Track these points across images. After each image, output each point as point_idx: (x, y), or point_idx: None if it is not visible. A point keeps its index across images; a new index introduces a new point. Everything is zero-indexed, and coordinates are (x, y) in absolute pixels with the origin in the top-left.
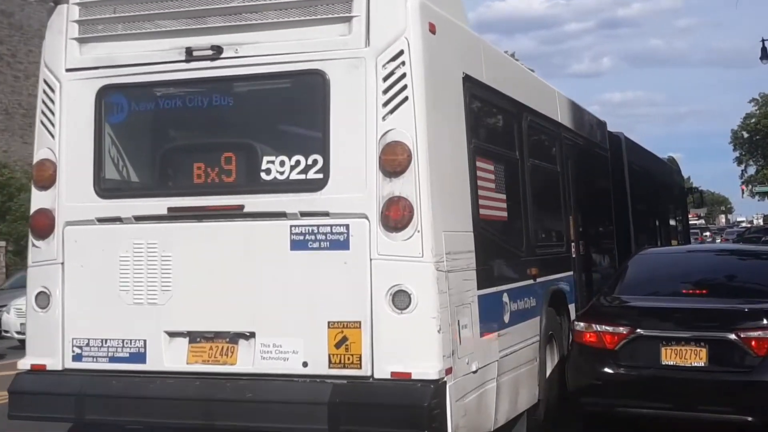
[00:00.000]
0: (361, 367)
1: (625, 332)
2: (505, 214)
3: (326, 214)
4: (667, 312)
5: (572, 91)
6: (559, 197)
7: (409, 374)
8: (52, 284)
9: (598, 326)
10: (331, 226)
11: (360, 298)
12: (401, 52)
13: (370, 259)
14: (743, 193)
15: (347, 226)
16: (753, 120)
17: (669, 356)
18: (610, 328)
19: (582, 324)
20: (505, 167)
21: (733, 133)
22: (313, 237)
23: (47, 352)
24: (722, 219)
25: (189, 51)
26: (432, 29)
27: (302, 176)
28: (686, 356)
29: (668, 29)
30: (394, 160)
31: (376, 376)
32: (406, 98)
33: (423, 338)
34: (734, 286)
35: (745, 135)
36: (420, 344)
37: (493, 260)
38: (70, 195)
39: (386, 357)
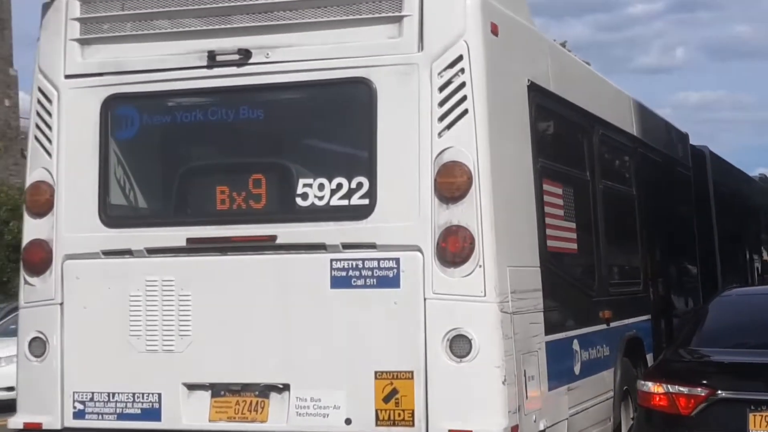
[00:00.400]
0: (413, 425)
1: (703, 394)
2: (575, 246)
3: (373, 246)
4: (756, 369)
5: (638, 90)
6: (635, 226)
7: None
8: (49, 328)
9: (669, 386)
10: (378, 260)
11: (412, 343)
12: (460, 58)
13: (424, 299)
14: None
15: (397, 260)
16: None
17: (758, 424)
18: (684, 390)
19: (650, 384)
20: (575, 191)
21: None
22: (357, 273)
23: (43, 408)
24: None
25: (212, 55)
26: (494, 30)
27: (345, 202)
28: None
29: (758, 12)
30: (452, 184)
31: None
32: (465, 111)
33: (486, 391)
34: None
35: None
36: (482, 398)
37: (563, 300)
38: (71, 223)
39: (443, 412)
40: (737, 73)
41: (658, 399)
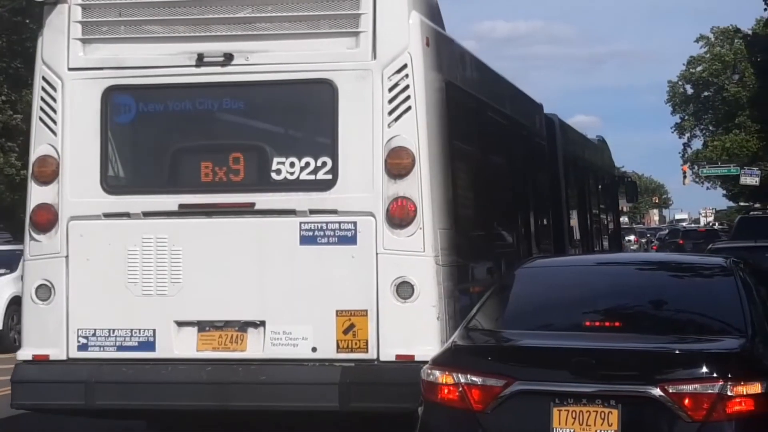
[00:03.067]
0: (367, 351)
1: (499, 386)
2: (472, 212)
3: (335, 212)
4: (561, 355)
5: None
6: (510, 195)
7: (413, 356)
8: (55, 277)
9: (460, 376)
10: (339, 222)
11: (367, 288)
12: (405, 66)
13: (377, 254)
14: (685, 176)
15: (355, 223)
16: (700, 68)
17: (563, 421)
18: (477, 380)
19: (436, 373)
20: (472, 166)
21: (671, 87)
22: (321, 233)
23: (50, 342)
24: (654, 216)
25: (200, 57)
26: (427, 43)
27: (312, 177)
28: (589, 421)
29: None
30: (399, 164)
31: (381, 358)
32: (409, 108)
33: (424, 324)
34: (661, 316)
35: (690, 90)
36: (421, 330)
37: (466, 258)
38: (75, 190)
39: (391, 341)
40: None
41: (446, 391)
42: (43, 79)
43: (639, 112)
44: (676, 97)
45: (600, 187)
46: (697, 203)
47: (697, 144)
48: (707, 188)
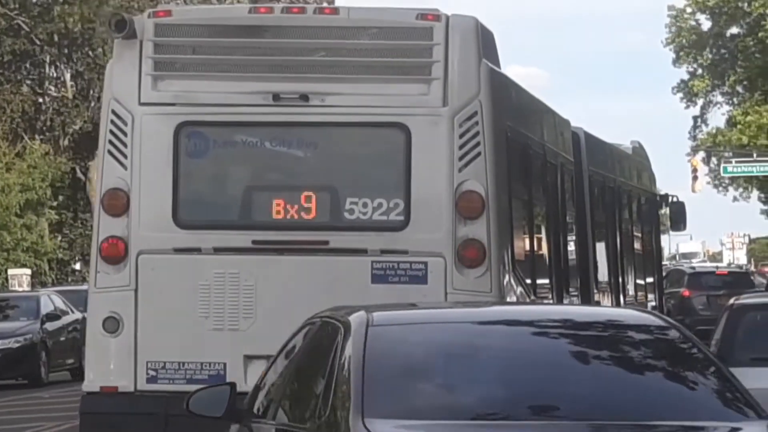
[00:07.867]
0: None
1: None
2: (522, 252)
3: (406, 252)
4: None
5: None
6: (549, 233)
7: None
8: (124, 309)
9: None
10: (410, 263)
11: None
12: (475, 113)
13: (446, 293)
14: (696, 176)
15: (426, 264)
16: None
17: None
18: None
19: None
20: (523, 206)
21: (674, 18)
22: (393, 272)
23: (118, 375)
24: None
25: (276, 96)
26: (494, 89)
27: (384, 217)
28: None
29: None
30: (470, 207)
31: None
32: (479, 153)
33: None
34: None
35: (706, 24)
36: None
37: (516, 298)
38: (146, 224)
39: None
40: None
41: None
42: (113, 113)
43: (615, 61)
44: (683, 35)
45: (636, 212)
46: (717, 224)
47: (718, 119)
48: (734, 198)
